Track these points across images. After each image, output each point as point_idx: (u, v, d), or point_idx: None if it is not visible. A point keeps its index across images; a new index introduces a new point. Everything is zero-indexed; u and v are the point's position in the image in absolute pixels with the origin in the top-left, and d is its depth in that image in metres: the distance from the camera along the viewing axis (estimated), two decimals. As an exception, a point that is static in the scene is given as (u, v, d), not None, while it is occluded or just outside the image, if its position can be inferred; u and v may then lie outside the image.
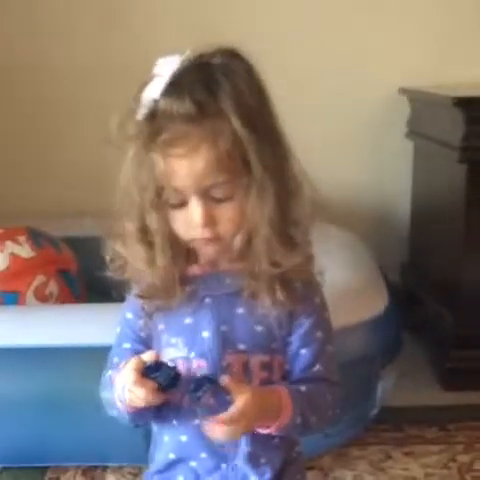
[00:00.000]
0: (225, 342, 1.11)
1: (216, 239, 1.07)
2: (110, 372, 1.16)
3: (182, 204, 1.05)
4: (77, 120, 2.79)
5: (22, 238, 2.17)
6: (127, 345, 1.18)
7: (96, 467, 1.94)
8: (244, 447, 1.13)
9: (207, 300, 1.12)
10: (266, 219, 1.04)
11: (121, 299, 1.20)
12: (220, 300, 1.12)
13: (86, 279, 2.27)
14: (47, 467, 1.94)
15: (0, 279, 2.10)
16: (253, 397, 1.03)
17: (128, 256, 1.10)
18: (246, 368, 1.11)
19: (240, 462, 1.14)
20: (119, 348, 1.20)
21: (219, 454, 1.14)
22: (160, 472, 1.21)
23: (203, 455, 1.14)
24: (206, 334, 1.11)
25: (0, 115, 2.81)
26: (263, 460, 1.15)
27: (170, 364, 1.06)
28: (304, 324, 1.13)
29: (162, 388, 1.04)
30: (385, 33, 2.77)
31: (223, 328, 1.11)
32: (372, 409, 1.97)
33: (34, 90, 2.81)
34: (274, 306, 1.09)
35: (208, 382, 1.04)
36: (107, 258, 1.12)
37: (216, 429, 1.03)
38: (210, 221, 1.05)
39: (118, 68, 2.65)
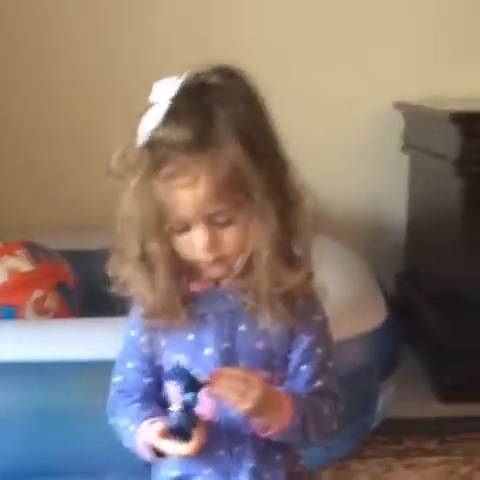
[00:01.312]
0: (227, 359, 1.10)
1: (221, 260, 1.06)
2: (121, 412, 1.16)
3: (186, 229, 1.05)
4: (81, 137, 2.80)
5: (20, 252, 2.16)
6: (131, 364, 1.17)
7: (95, 482, 1.92)
8: (248, 463, 1.13)
9: (209, 317, 1.11)
10: (269, 240, 1.04)
11: (123, 313, 1.19)
12: (223, 317, 1.11)
13: (83, 293, 2.27)
14: (45, 482, 1.92)
15: (-2, 293, 2.09)
16: (261, 380, 1.04)
17: (129, 279, 1.10)
18: None
19: (244, 477, 1.13)
20: (123, 367, 1.19)
21: (223, 470, 1.13)
22: None
23: (207, 471, 1.13)
24: (209, 351, 1.10)
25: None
26: (267, 476, 1.14)
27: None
28: (304, 341, 1.12)
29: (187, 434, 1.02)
30: (380, 48, 2.79)
31: (225, 345, 1.10)
32: (372, 422, 1.97)
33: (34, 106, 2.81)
34: (275, 323, 1.08)
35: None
36: (110, 274, 1.11)
37: (227, 383, 1.02)
38: (214, 245, 1.05)
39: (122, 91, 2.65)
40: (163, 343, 1.14)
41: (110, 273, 1.11)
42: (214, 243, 1.04)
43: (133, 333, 1.17)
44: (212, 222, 1.04)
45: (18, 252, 2.16)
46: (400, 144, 2.80)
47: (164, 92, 1.02)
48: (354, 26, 2.77)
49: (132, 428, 1.11)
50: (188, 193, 1.00)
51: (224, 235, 1.05)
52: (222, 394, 1.02)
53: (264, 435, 1.08)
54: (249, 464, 1.13)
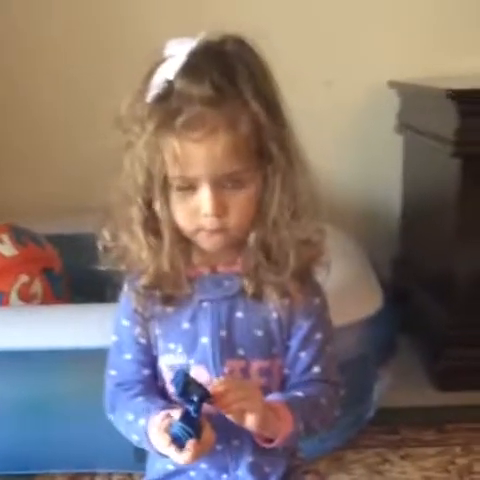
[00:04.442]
0: (224, 348, 1.08)
1: (223, 230, 1.02)
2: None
3: (189, 190, 1.00)
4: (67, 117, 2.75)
5: (4, 236, 2.11)
6: (128, 356, 1.14)
7: (84, 474, 1.88)
8: (247, 457, 1.10)
9: (205, 304, 1.08)
10: (285, 208, 1.02)
11: (113, 300, 1.15)
12: (219, 304, 1.08)
13: (70, 278, 2.23)
14: (34, 475, 1.88)
15: (-18, 279, 2.04)
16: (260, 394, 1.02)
17: (131, 244, 1.06)
18: (245, 374, 1.08)
19: (242, 472, 1.11)
20: (119, 359, 1.15)
21: (220, 464, 1.11)
22: None
23: (203, 465, 1.10)
24: (205, 340, 1.08)
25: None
26: (267, 469, 1.12)
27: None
28: (303, 327, 1.10)
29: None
30: (373, 24, 2.72)
31: (222, 333, 1.08)
32: (368, 411, 1.94)
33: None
34: (281, 301, 1.06)
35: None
36: (100, 249, 1.08)
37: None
38: (221, 211, 1.00)
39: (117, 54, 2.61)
40: (157, 332, 1.11)
41: (103, 243, 1.08)
42: (221, 208, 1.00)
43: (126, 323, 1.13)
44: (222, 185, 0.99)
45: (2, 236, 2.11)
46: (394, 124, 2.75)
47: (182, 47, 0.99)
48: (348, 3, 2.70)
49: (142, 422, 1.07)
50: (203, 148, 0.96)
51: (232, 200, 1.01)
52: (226, 412, 0.99)
53: (269, 446, 1.05)
54: (248, 458, 1.11)
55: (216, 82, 0.96)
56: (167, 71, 0.98)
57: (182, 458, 0.98)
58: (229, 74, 0.98)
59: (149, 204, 1.03)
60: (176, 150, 0.97)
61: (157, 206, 1.02)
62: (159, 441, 1.01)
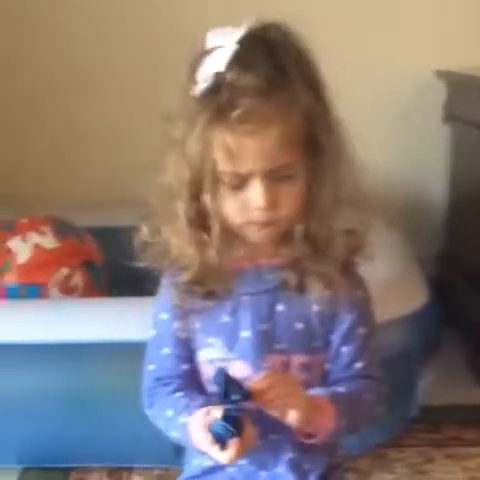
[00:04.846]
0: (265, 342, 1.06)
1: (273, 223, 1.01)
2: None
3: (240, 184, 0.99)
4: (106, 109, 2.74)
5: (46, 228, 2.12)
6: (167, 350, 1.13)
7: (122, 469, 1.88)
8: (286, 454, 1.09)
9: (246, 297, 1.07)
10: (333, 198, 1.01)
11: (152, 294, 1.15)
12: (260, 297, 1.07)
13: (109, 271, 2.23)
14: (71, 468, 1.88)
15: (22, 271, 2.05)
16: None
17: (174, 239, 1.04)
18: (286, 369, 1.07)
19: (282, 469, 1.10)
20: (157, 353, 1.14)
21: (259, 461, 1.10)
22: (195, 477, 1.16)
23: (242, 462, 1.08)
24: (246, 334, 1.07)
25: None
26: (307, 466, 1.11)
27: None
28: (346, 320, 1.09)
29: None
30: (420, 12, 2.68)
31: (263, 327, 1.07)
32: (411, 409, 1.91)
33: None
34: (323, 293, 1.04)
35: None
36: (140, 245, 1.07)
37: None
38: (272, 204, 0.99)
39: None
40: (197, 326, 1.09)
41: (143, 239, 1.07)
42: (273, 201, 0.98)
43: (165, 316, 1.12)
44: (273, 177, 0.98)
45: (44, 228, 2.12)
46: (441, 115, 2.69)
47: (227, 38, 0.97)
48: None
49: (182, 420, 1.06)
50: (256, 140, 0.95)
51: (282, 193, 0.99)
52: (268, 409, 0.98)
53: (310, 442, 1.04)
54: (288, 455, 1.09)
55: (267, 73, 0.94)
56: (216, 63, 0.96)
57: (224, 457, 0.97)
58: (278, 64, 0.96)
59: (195, 199, 1.02)
60: (229, 144, 0.96)
61: (207, 200, 1.00)
62: (201, 440, 1.00)
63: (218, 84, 0.95)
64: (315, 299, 1.06)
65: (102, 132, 2.75)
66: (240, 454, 0.96)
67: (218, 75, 0.95)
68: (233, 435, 0.95)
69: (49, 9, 2.69)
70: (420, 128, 2.75)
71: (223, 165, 0.97)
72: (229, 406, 0.95)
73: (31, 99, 2.75)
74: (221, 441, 0.96)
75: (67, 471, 1.88)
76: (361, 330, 1.09)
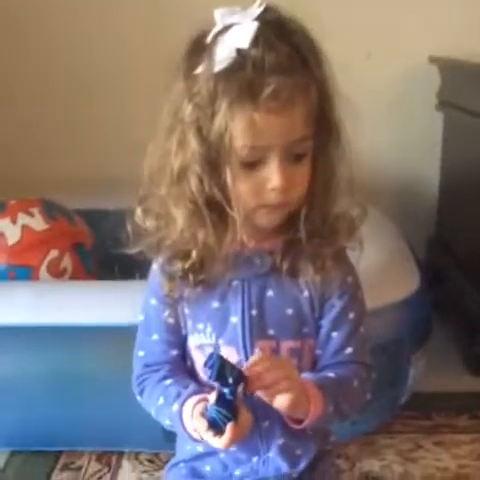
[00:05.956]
0: (255, 328, 1.06)
1: (285, 205, 1.00)
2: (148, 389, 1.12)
3: (256, 164, 0.97)
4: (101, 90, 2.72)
5: (35, 210, 2.09)
6: (156, 336, 1.12)
7: (112, 452, 1.87)
8: (277, 440, 1.09)
9: (235, 282, 1.06)
10: (336, 178, 1.02)
11: (142, 276, 1.14)
12: (250, 282, 1.06)
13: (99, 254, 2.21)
14: (60, 452, 1.87)
15: (12, 252, 2.04)
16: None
17: (183, 221, 1.01)
18: (276, 355, 1.06)
19: (273, 454, 1.10)
20: (147, 339, 1.13)
21: (251, 447, 1.10)
22: (186, 461, 1.16)
23: (234, 448, 1.07)
24: (235, 319, 1.06)
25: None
26: (298, 452, 1.11)
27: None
28: (336, 306, 1.08)
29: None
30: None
31: (253, 313, 1.06)
32: (402, 396, 1.90)
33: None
34: (314, 278, 1.04)
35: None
36: (132, 229, 1.05)
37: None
38: (287, 184, 0.98)
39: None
40: (186, 311, 1.09)
41: (137, 223, 1.05)
42: (288, 181, 0.97)
43: (154, 301, 1.11)
44: (287, 157, 0.97)
45: (33, 210, 2.10)
46: (434, 102, 2.67)
47: (242, 15, 0.96)
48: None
49: (175, 407, 1.05)
50: (283, 117, 0.95)
51: (295, 174, 0.99)
52: (262, 392, 0.97)
53: (297, 427, 1.03)
54: (279, 440, 1.10)
55: (288, 50, 0.94)
56: (238, 39, 0.94)
57: (220, 442, 0.96)
58: (294, 43, 0.96)
59: (209, 179, 0.99)
60: (253, 121, 0.94)
61: (228, 179, 0.98)
62: (196, 426, 1.00)
63: (240, 62, 0.93)
64: (306, 283, 1.05)
65: (98, 112, 2.74)
66: (236, 439, 0.96)
67: (241, 52, 0.93)
68: (228, 420, 0.94)
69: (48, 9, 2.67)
70: (413, 114, 2.73)
71: (243, 141, 0.95)
72: (223, 390, 0.94)
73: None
74: (216, 426, 0.95)
75: (56, 455, 1.86)
76: (351, 315, 1.09)
